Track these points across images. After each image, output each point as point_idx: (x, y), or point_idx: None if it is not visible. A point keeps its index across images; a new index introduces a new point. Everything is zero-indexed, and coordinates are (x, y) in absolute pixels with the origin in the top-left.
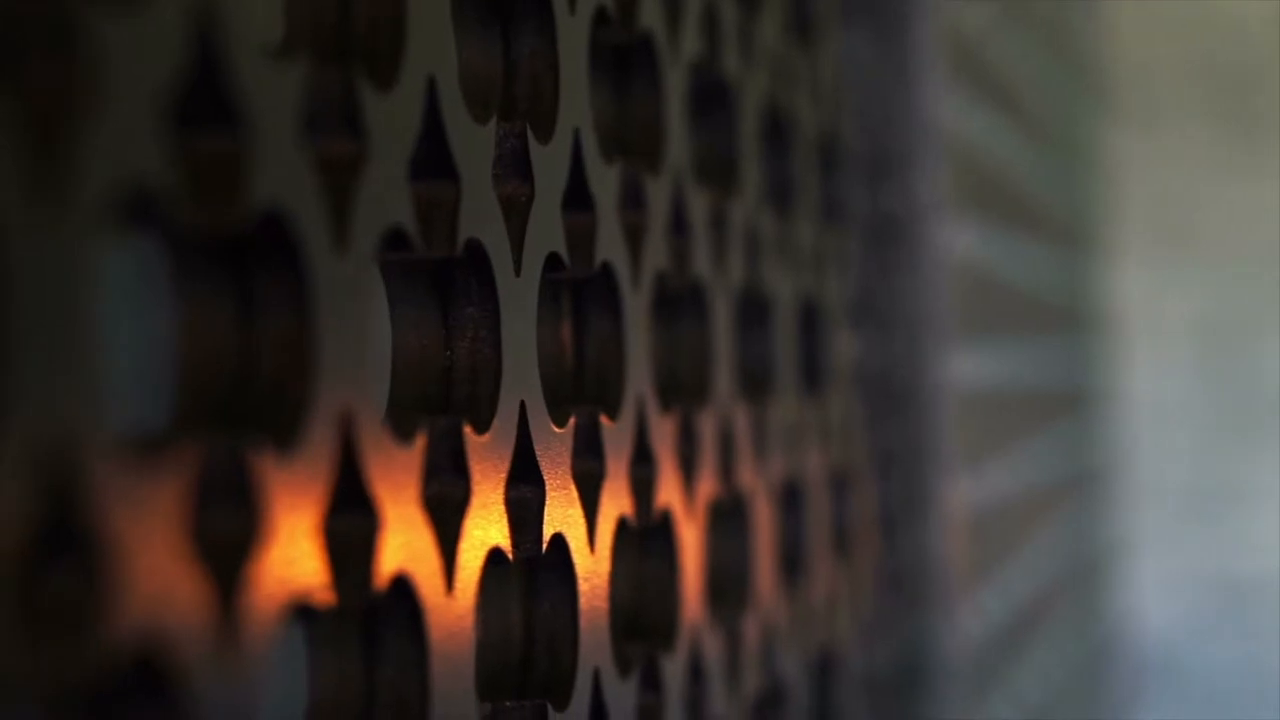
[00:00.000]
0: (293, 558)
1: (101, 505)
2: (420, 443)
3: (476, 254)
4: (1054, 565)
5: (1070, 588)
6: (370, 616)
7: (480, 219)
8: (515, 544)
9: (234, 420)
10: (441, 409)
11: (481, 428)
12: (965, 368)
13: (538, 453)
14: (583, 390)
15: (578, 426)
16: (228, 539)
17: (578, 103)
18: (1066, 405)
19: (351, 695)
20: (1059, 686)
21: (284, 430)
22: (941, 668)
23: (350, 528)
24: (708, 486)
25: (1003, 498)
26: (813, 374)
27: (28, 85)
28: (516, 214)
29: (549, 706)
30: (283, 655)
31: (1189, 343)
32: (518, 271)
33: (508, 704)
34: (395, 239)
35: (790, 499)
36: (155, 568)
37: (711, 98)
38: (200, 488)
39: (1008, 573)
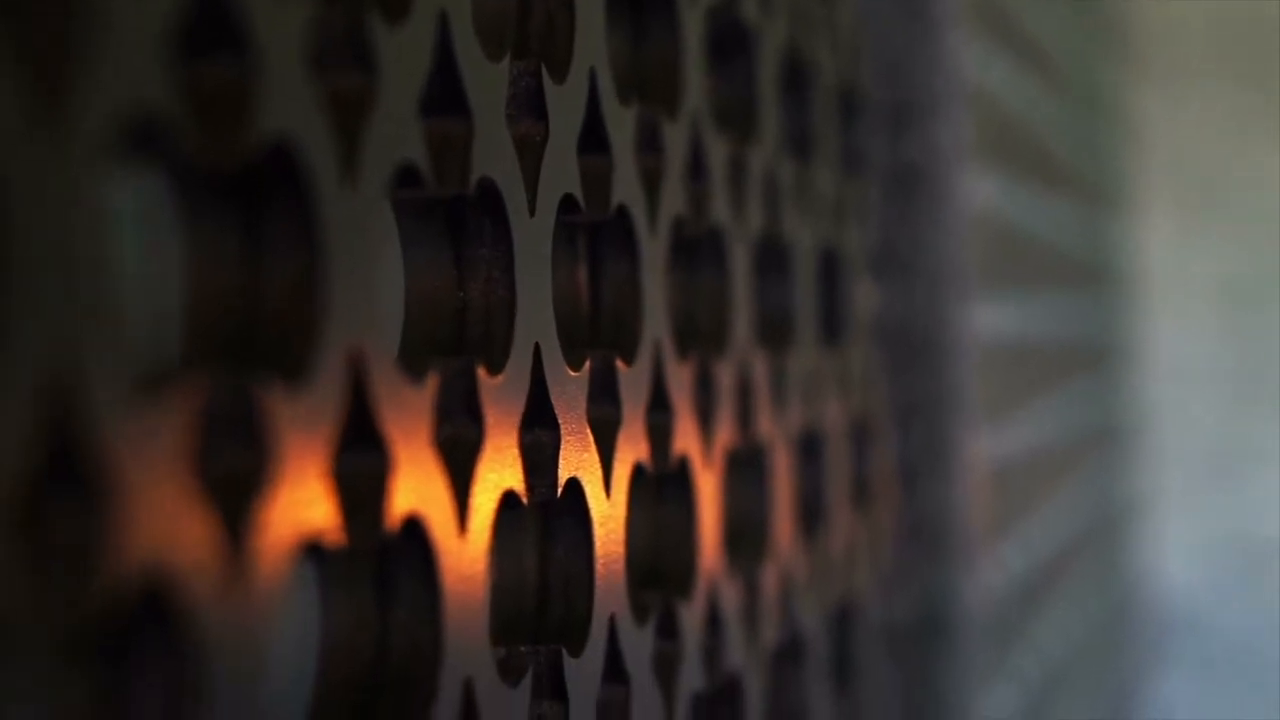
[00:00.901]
0: (302, 497)
1: (106, 439)
2: (432, 384)
3: (490, 193)
4: (1075, 521)
5: (1091, 545)
6: (383, 559)
7: (493, 158)
8: (530, 488)
9: (241, 356)
10: (454, 350)
11: (495, 370)
12: (987, 320)
13: (553, 396)
14: (599, 334)
15: (593, 371)
16: (235, 476)
17: (594, 43)
18: (1089, 361)
19: (364, 638)
20: (1080, 643)
21: (292, 366)
22: (962, 621)
23: (361, 468)
24: (726, 435)
25: (1024, 452)
26: (832, 323)
27: (29, 14)
28: (531, 154)
29: (564, 652)
30: (294, 596)
31: (1213, 302)
32: (532, 212)
33: (522, 649)
34: (406, 176)
35: (809, 449)
36: (161, 504)
37: (731, 42)
38: (207, 424)
39: (1029, 527)
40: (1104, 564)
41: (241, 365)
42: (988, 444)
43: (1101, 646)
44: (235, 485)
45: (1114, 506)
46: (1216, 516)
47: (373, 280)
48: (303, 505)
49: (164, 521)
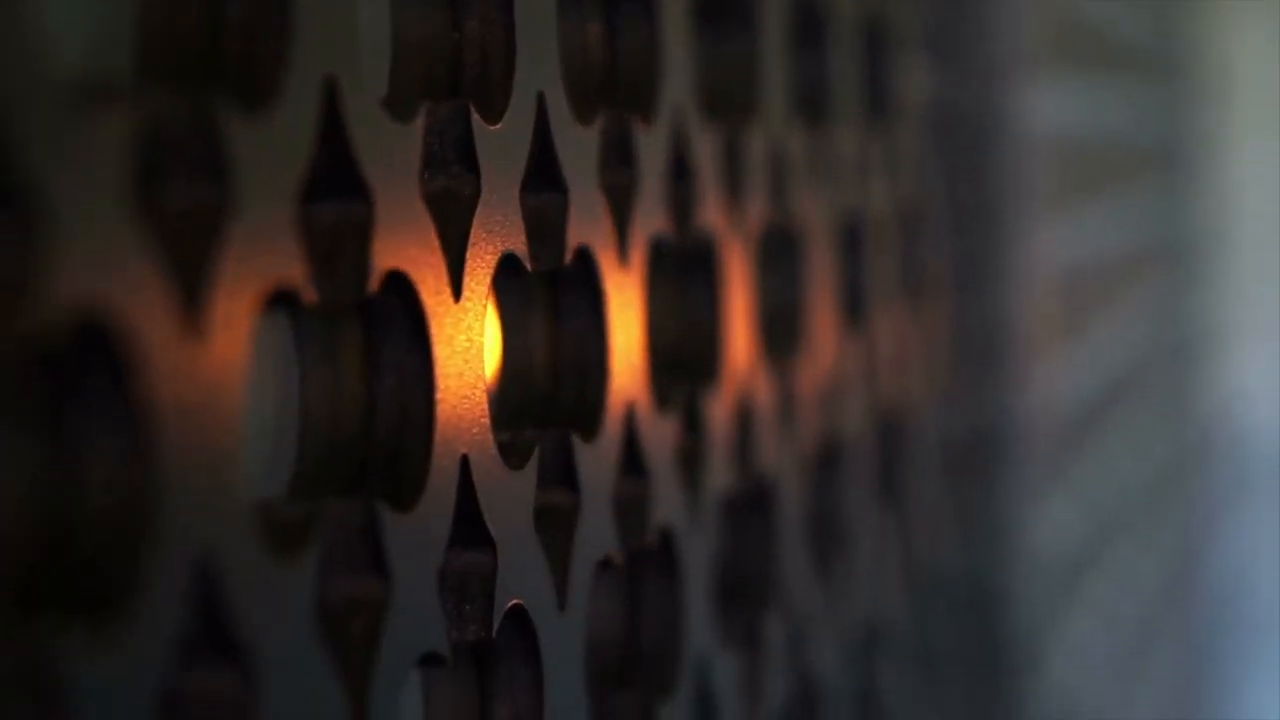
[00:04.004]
0: (269, 243)
1: (40, 155)
2: (421, 128)
3: None
4: (1146, 339)
5: (1164, 366)
6: (366, 321)
7: None
8: (534, 255)
9: (200, 75)
10: (447, 93)
11: (493, 116)
12: (1049, 110)
13: (559, 153)
14: (613, 91)
15: (607, 130)
16: (190, 210)
17: None
18: (1162, 162)
19: (349, 404)
20: (1149, 471)
21: (256, 89)
22: (1019, 438)
23: (337, 213)
24: (757, 213)
25: (1090, 259)
26: (877, 102)
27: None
28: None
29: (575, 437)
30: (265, 356)
31: None
32: None
33: (527, 431)
34: None
35: (851, 237)
36: (103, 236)
37: None
38: (158, 148)
39: (1094, 342)
40: (1177, 386)
41: (199, 85)
42: (1050, 248)
43: (1173, 474)
44: (189, 220)
45: (1189, 326)
46: None
47: (354, 10)
48: (270, 252)
49: (106, 254)
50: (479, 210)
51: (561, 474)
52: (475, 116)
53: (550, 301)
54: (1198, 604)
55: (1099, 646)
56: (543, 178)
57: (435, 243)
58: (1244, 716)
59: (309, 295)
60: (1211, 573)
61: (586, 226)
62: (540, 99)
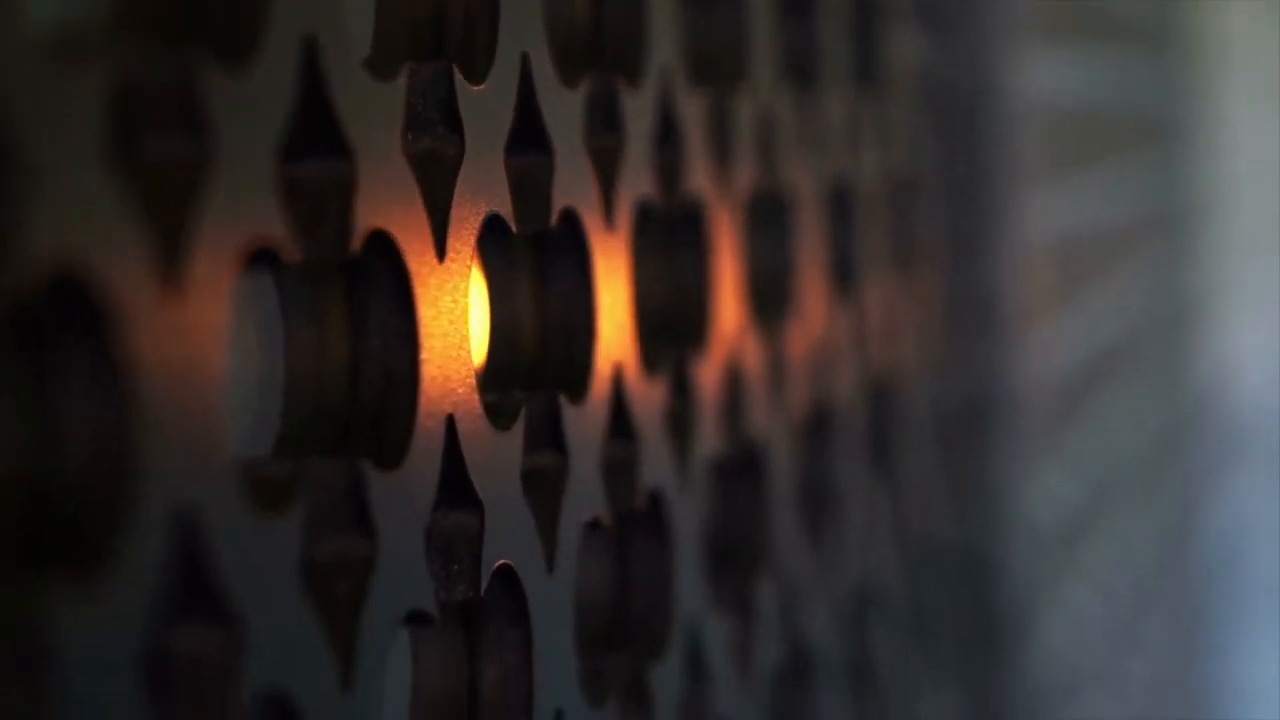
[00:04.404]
0: (250, 200)
1: (16, 109)
2: (403, 86)
3: None
4: (1140, 308)
5: (1158, 334)
6: (350, 280)
7: None
8: (518, 216)
9: (177, 28)
10: (431, 54)
11: (476, 77)
12: (1042, 80)
13: (544, 115)
14: (600, 54)
15: (592, 94)
16: (167, 164)
17: None
18: (1158, 133)
19: (333, 364)
20: (1143, 438)
21: (235, 47)
22: (1012, 406)
23: (319, 172)
24: (745, 177)
25: (1084, 228)
26: (868, 70)
27: None
28: None
29: (562, 399)
30: (248, 315)
31: None
32: None
33: (515, 393)
34: None
35: (841, 204)
36: (80, 189)
37: None
38: (135, 103)
39: (1087, 311)
40: (1171, 356)
41: (179, 41)
42: (1043, 216)
43: (1168, 443)
44: (168, 175)
45: (1183, 295)
46: None
47: None
48: (250, 209)
49: (84, 209)
50: (463, 171)
51: (549, 436)
52: (459, 77)
53: (536, 263)
54: (1192, 571)
55: (1094, 615)
56: (527, 139)
57: (419, 203)
58: (1238, 682)
59: (291, 254)
60: (1206, 540)
61: (572, 190)
62: (524, 60)
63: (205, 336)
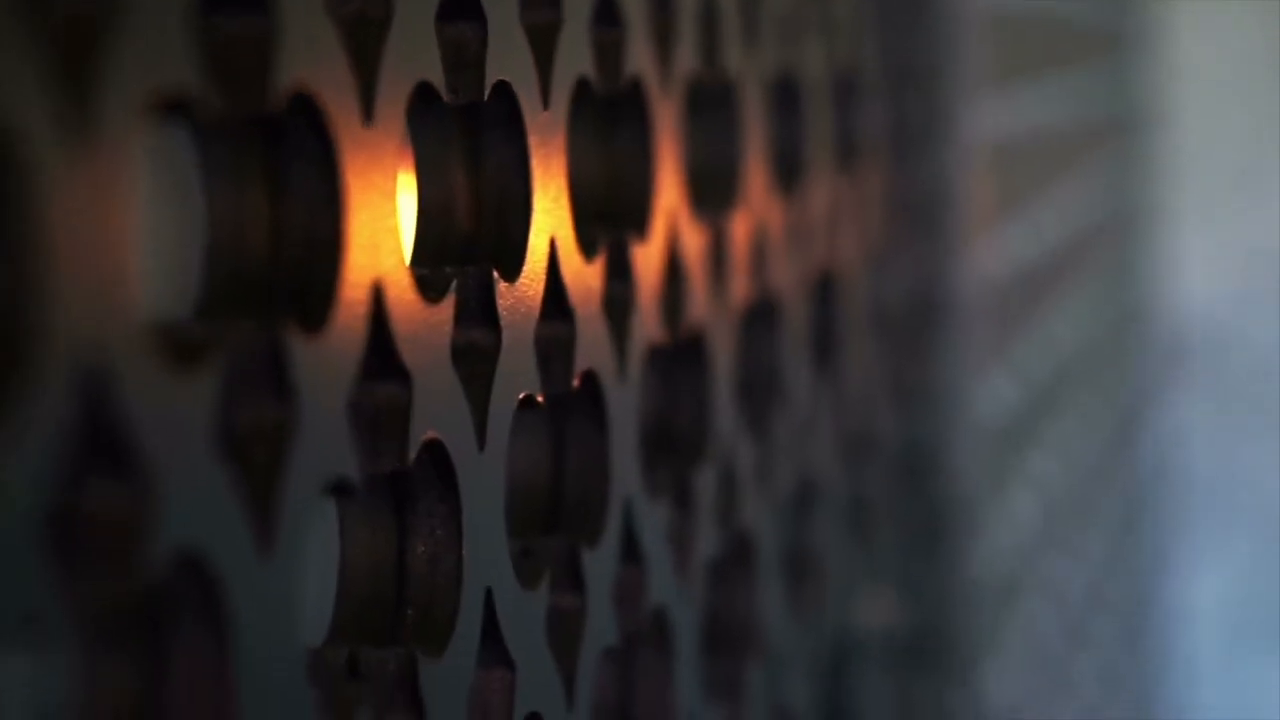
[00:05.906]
0: (164, 51)
1: None
2: None
3: None
4: (1084, 216)
5: (1102, 244)
6: (272, 140)
7: None
8: (450, 86)
9: None
10: None
11: None
12: None
13: None
14: None
15: None
16: (75, 11)
17: None
18: (1108, 41)
19: (253, 226)
20: (1086, 347)
21: None
22: (956, 307)
23: (237, 25)
24: (685, 61)
25: (1029, 133)
26: None
27: None
28: None
29: (496, 275)
30: (164, 172)
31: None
32: None
33: (446, 269)
34: None
35: (786, 95)
36: None
37: None
38: None
39: (1032, 215)
40: (1115, 268)
41: None
42: (989, 118)
43: (1110, 354)
44: (74, 22)
45: (1128, 203)
46: (1240, 229)
47: None
48: (164, 60)
49: None
50: (393, 39)
51: (481, 312)
52: None
53: (469, 134)
54: (1130, 478)
55: (1033, 519)
56: (459, 7)
57: (346, 67)
58: (1174, 589)
59: (209, 111)
60: (1144, 447)
61: (507, 65)
62: None
63: (115, 189)
